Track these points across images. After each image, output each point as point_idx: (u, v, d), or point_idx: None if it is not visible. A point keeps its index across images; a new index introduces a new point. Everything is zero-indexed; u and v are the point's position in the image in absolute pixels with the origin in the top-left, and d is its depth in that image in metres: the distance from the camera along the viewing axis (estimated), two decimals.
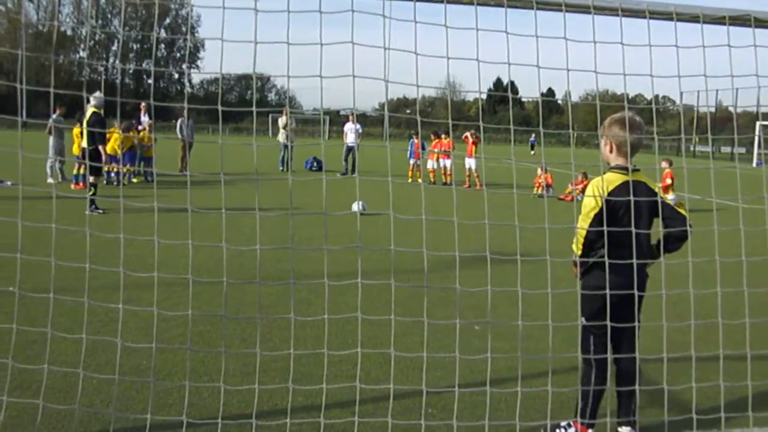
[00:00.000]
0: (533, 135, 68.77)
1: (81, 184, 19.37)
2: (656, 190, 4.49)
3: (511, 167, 27.64)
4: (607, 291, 4.13)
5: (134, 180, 21.60)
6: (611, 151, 4.52)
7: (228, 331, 6.66)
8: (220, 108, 3.92)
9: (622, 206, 4.30)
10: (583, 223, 4.38)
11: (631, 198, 4.18)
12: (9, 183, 17.36)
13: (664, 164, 19.47)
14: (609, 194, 4.30)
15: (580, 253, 4.44)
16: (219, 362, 5.68)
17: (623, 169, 4.44)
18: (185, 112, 24.17)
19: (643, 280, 4.40)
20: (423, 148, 25.37)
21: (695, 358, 4.33)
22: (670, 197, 17.28)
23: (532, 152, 65.60)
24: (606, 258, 4.19)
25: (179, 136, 24.02)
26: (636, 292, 4.22)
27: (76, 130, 18.79)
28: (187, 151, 22.84)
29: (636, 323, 4.45)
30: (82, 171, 19.48)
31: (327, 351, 4.49)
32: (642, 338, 4.57)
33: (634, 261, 4.15)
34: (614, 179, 4.39)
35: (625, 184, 4.34)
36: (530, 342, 6.48)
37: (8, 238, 4.10)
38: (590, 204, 4.36)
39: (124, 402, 4.89)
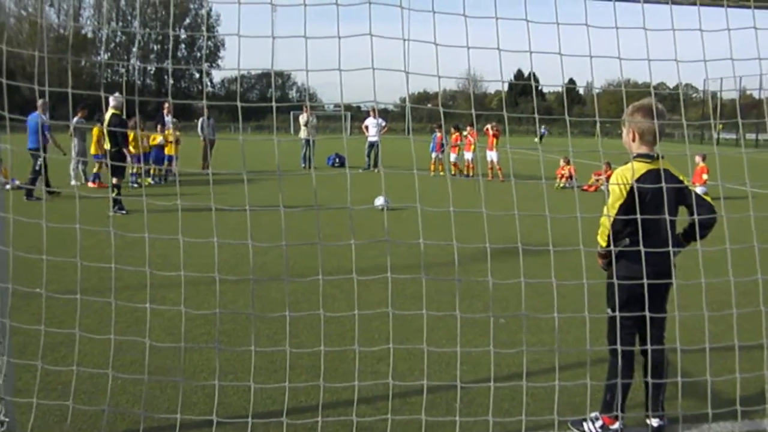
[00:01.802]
0: (543, 126, 68.38)
1: (96, 182, 19.59)
2: (681, 177, 4.42)
3: (531, 159, 27.50)
4: (644, 280, 4.05)
5: (148, 181, 21.59)
6: (634, 140, 4.46)
7: (253, 328, 6.66)
8: (239, 104, 3.90)
9: (647, 195, 4.24)
10: (609, 212, 4.32)
11: (663, 185, 4.11)
12: (18, 184, 17.43)
13: (697, 158, 18.83)
14: (637, 180, 4.25)
15: (605, 244, 4.38)
16: (244, 360, 5.67)
17: (647, 157, 4.38)
18: (205, 110, 24.26)
19: (670, 269, 4.34)
20: (445, 142, 25.25)
21: (725, 348, 4.26)
22: (699, 189, 16.64)
23: (535, 140, 65.03)
24: (634, 247, 4.12)
25: (200, 134, 24.10)
26: (664, 282, 4.15)
27: (95, 131, 18.90)
28: (209, 150, 22.92)
29: (663, 314, 4.40)
30: (97, 169, 19.73)
31: (358, 348, 4.46)
32: (670, 328, 4.50)
33: (670, 249, 4.09)
34: (639, 168, 4.33)
35: (650, 172, 4.28)
36: (558, 334, 6.43)
37: (32, 240, 4.13)
38: (615, 194, 4.30)
39: (149, 401, 4.89)
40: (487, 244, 4.32)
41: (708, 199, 4.44)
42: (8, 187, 11.46)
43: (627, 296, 4.28)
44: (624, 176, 4.30)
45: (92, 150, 19.12)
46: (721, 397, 4.90)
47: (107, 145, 14.52)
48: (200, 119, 24.93)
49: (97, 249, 9.38)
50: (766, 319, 4.17)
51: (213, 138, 23.43)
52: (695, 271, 4.05)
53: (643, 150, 4.43)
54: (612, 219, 4.30)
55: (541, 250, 4.30)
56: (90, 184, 19.58)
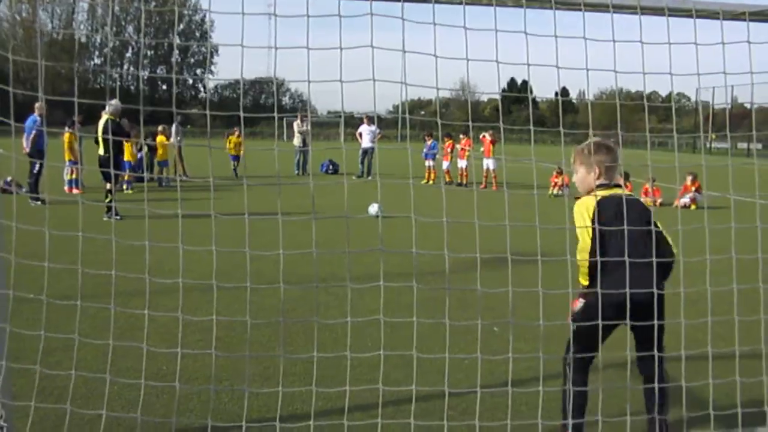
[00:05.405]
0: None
1: (76, 188, 19.58)
2: (645, 203, 4.47)
3: (525, 166, 27.56)
4: (628, 295, 4.05)
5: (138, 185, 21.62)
6: (599, 177, 4.49)
7: (248, 335, 6.67)
8: (242, 114, 3.94)
9: (613, 217, 4.21)
10: (582, 255, 4.31)
11: (624, 207, 4.13)
12: (25, 190, 17.40)
13: (688, 179, 18.00)
14: (598, 203, 4.24)
15: (587, 283, 4.38)
16: (239, 366, 5.69)
17: (604, 186, 4.43)
18: (177, 117, 24.40)
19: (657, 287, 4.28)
20: (432, 149, 25.35)
21: (713, 356, 4.28)
22: (690, 195, 16.60)
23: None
24: (613, 272, 4.11)
25: (173, 141, 24.05)
26: (647, 303, 4.15)
27: (66, 136, 18.79)
28: (179, 155, 23.23)
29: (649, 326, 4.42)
30: (74, 175, 19.68)
31: (350, 354, 4.48)
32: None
33: (658, 259, 4.10)
34: (600, 192, 4.34)
35: (610, 196, 4.33)
36: (551, 342, 6.45)
37: (25, 246, 4.11)
38: (582, 239, 4.30)
39: (144, 407, 4.90)
40: (477, 254, 4.36)
41: (669, 239, 4.41)
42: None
43: (608, 315, 4.20)
44: (586, 206, 4.31)
45: (66, 156, 19.00)
46: (703, 405, 4.94)
47: (101, 151, 14.52)
48: (173, 125, 24.81)
49: (91, 255, 9.37)
50: (738, 327, 4.21)
51: (180, 144, 23.60)
52: (686, 280, 4.08)
53: (601, 181, 4.49)
54: (587, 262, 4.29)
55: (534, 260, 4.32)
56: (74, 191, 19.54)
